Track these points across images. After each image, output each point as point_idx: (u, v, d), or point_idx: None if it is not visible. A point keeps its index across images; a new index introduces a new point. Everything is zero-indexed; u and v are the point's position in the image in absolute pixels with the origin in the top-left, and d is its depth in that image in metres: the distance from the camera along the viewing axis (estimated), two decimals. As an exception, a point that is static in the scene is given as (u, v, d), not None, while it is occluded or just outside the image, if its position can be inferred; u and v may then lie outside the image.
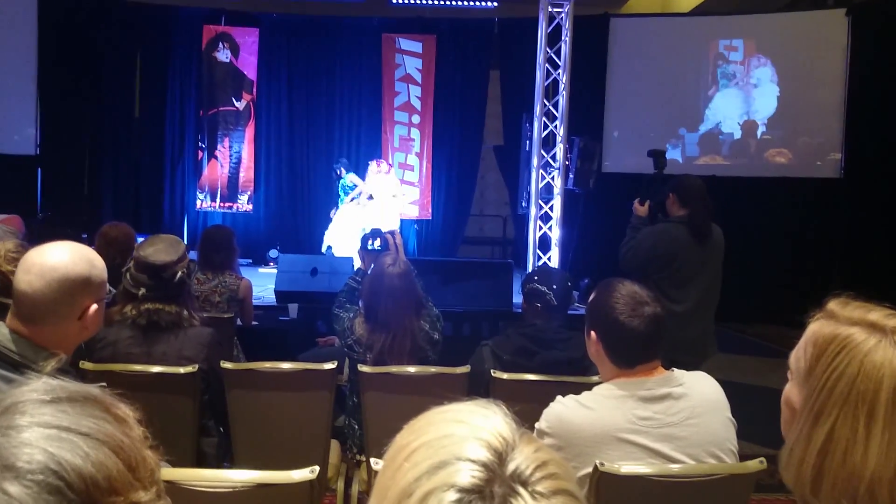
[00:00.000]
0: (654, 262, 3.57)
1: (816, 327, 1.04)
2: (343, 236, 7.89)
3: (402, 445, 0.63)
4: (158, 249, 2.47)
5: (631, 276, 2.07)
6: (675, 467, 1.71)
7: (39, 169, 8.36)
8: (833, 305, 1.04)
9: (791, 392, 1.07)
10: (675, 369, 1.86)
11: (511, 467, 0.58)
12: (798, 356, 1.06)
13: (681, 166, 8.29)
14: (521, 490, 0.57)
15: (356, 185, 8.17)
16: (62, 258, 1.61)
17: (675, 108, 8.52)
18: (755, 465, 1.74)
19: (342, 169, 8.27)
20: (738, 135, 8.42)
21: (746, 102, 8.37)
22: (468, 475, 0.57)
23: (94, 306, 1.65)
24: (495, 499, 0.56)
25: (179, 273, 2.46)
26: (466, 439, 0.60)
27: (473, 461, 0.58)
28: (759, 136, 8.38)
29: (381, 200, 8.04)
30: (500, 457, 0.59)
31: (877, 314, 1.01)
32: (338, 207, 8.27)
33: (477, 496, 0.56)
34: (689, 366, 1.97)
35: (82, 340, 1.78)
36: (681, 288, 3.51)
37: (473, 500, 0.56)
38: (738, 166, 8.36)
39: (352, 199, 8.15)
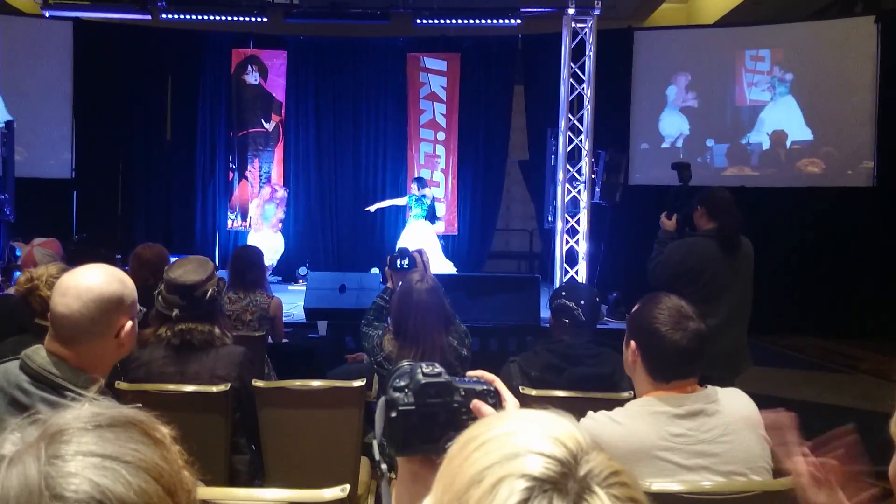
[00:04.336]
0: (683, 276, 3.50)
1: None
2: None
3: (473, 437, 0.63)
4: (188, 270, 2.52)
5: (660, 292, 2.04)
6: (707, 484, 1.68)
7: (75, 192, 8.55)
8: None
9: None
10: (708, 386, 1.83)
11: (585, 468, 0.58)
12: None
13: (709, 178, 8.21)
14: (597, 490, 0.56)
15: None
16: (96, 279, 1.66)
17: (701, 119, 8.45)
18: (789, 482, 1.71)
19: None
20: (766, 145, 8.31)
21: (775, 112, 8.26)
22: (541, 466, 0.57)
23: (129, 324, 1.70)
24: (570, 494, 0.56)
25: (210, 291, 2.51)
26: (540, 435, 0.60)
27: (547, 455, 0.58)
28: (788, 146, 8.26)
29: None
30: (575, 457, 0.59)
31: None
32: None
33: (552, 487, 0.56)
34: (720, 381, 1.93)
35: (119, 359, 1.82)
36: (711, 302, 3.40)
37: (548, 491, 0.56)
38: (767, 177, 8.24)
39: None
